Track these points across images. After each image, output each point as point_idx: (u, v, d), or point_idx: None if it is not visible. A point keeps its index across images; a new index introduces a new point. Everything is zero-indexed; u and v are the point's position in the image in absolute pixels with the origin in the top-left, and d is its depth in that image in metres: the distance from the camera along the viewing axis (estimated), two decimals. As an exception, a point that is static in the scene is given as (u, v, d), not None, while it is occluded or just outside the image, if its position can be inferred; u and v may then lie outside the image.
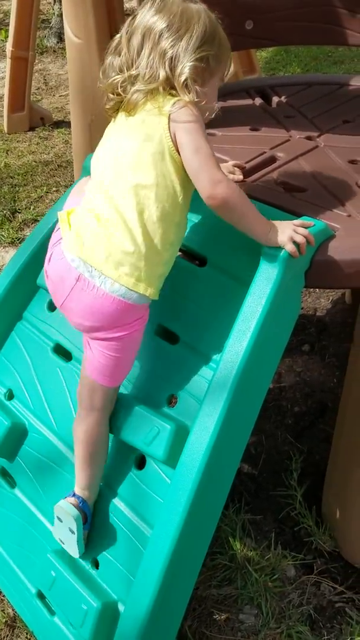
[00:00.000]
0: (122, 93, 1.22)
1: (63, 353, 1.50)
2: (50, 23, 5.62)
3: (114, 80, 1.22)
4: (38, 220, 3.05)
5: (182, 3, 1.20)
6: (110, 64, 1.23)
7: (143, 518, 1.24)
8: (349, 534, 1.57)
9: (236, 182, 1.47)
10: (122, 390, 1.36)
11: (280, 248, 1.19)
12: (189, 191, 1.23)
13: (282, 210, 1.37)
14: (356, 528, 1.54)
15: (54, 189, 3.32)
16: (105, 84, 1.25)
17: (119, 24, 1.69)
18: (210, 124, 1.73)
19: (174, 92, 1.19)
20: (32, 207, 3.16)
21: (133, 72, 1.20)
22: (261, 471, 1.85)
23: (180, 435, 1.20)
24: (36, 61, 4.33)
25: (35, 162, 3.58)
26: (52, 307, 1.55)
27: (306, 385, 2.12)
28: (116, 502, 1.29)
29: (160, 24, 1.17)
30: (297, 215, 1.34)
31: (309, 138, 1.67)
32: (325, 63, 5.11)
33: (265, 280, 1.20)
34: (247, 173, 1.53)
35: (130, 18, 1.23)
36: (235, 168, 1.51)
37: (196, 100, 1.19)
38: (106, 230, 1.20)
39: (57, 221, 1.33)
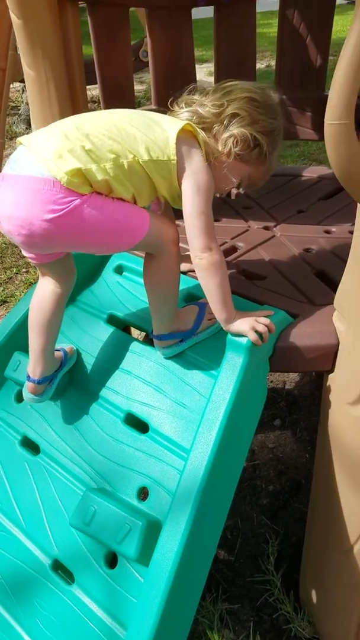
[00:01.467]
0: (180, 107, 1.30)
1: (31, 446, 1.48)
2: (19, 110, 5.90)
3: (185, 97, 1.31)
4: (8, 302, 3.08)
5: (276, 100, 1.32)
6: (195, 88, 1.33)
7: (116, 619, 1.20)
8: (326, 620, 1.53)
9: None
10: (90, 483, 1.35)
11: (243, 336, 1.24)
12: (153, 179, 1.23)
13: (244, 298, 1.43)
14: (334, 613, 1.51)
15: (24, 269, 3.37)
16: (178, 97, 1.33)
17: (83, 112, 1.80)
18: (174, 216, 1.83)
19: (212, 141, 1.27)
20: (1, 289, 3.19)
21: (205, 100, 1.28)
22: (238, 557, 1.81)
23: (153, 532, 1.18)
24: (6, 147, 4.50)
25: (5, 243, 3.66)
26: (19, 398, 1.55)
27: (279, 462, 2.12)
28: (88, 602, 1.24)
29: (252, 94, 1.27)
30: (259, 302, 1.41)
31: (266, 228, 1.77)
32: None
33: (231, 369, 1.24)
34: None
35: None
36: None
37: (223, 157, 1.27)
38: (62, 134, 1.20)
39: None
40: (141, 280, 1.58)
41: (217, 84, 1.33)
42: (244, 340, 1.24)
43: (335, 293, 1.33)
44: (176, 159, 1.22)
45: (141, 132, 1.22)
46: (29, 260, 1.35)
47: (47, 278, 1.39)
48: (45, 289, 1.39)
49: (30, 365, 1.41)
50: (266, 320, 1.26)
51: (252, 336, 1.23)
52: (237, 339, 1.25)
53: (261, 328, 1.24)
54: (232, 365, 1.24)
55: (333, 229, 1.73)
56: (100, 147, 1.19)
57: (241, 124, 1.25)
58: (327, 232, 1.72)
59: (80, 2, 1.70)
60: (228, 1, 1.90)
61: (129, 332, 1.61)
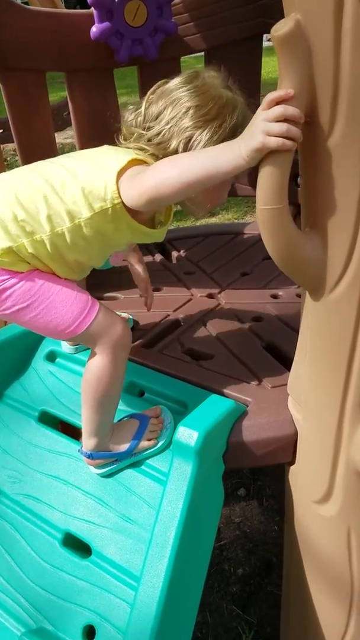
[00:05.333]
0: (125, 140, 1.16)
1: None
2: None
3: (130, 126, 1.16)
4: None
5: (220, 89, 1.12)
6: (127, 115, 1.18)
7: None
8: None
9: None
10: (27, 621, 1.15)
11: (190, 440, 1.08)
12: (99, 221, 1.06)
13: (190, 383, 1.29)
14: None
15: None
16: (123, 124, 1.18)
17: None
18: (112, 287, 1.69)
19: None
20: None
21: (144, 132, 1.12)
22: (210, 660, 1.62)
23: None
24: None
25: None
26: None
27: (247, 539, 1.95)
28: None
29: (189, 101, 1.08)
30: (206, 388, 1.27)
31: (210, 296, 1.64)
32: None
33: (179, 478, 1.08)
34: (152, 341, 1.46)
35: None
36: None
37: None
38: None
39: None
40: (76, 368, 1.42)
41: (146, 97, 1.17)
42: (192, 441, 1.09)
43: (286, 369, 1.21)
44: (120, 200, 1.03)
45: (78, 182, 1.05)
46: None
47: None
48: None
49: None
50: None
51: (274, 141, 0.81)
52: (184, 440, 1.09)
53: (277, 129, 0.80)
54: (181, 474, 1.08)
55: (280, 292, 1.61)
56: (35, 214, 1.03)
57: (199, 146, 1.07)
58: (274, 296, 1.60)
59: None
60: (151, 60, 1.81)
61: (67, 429, 1.43)
